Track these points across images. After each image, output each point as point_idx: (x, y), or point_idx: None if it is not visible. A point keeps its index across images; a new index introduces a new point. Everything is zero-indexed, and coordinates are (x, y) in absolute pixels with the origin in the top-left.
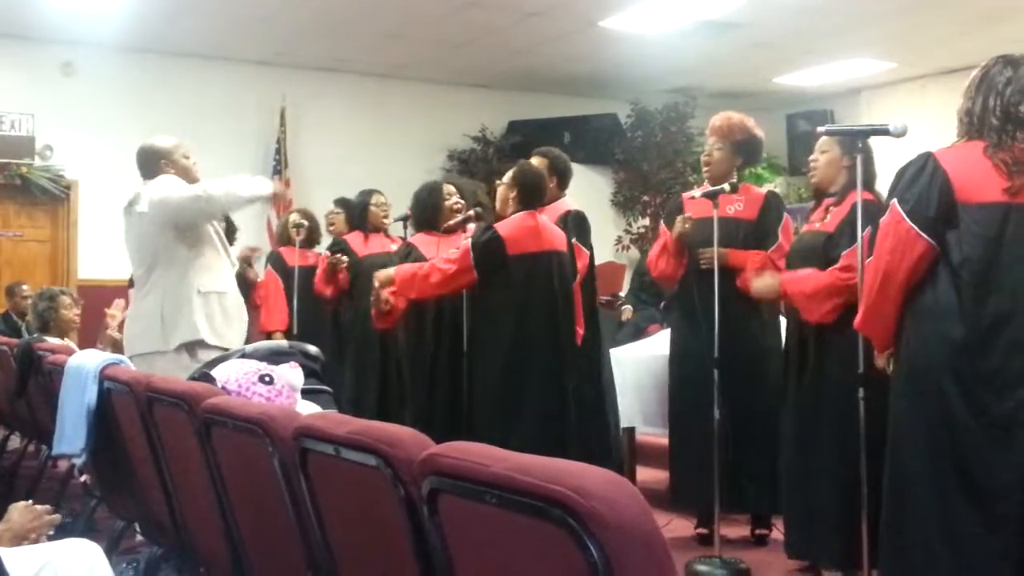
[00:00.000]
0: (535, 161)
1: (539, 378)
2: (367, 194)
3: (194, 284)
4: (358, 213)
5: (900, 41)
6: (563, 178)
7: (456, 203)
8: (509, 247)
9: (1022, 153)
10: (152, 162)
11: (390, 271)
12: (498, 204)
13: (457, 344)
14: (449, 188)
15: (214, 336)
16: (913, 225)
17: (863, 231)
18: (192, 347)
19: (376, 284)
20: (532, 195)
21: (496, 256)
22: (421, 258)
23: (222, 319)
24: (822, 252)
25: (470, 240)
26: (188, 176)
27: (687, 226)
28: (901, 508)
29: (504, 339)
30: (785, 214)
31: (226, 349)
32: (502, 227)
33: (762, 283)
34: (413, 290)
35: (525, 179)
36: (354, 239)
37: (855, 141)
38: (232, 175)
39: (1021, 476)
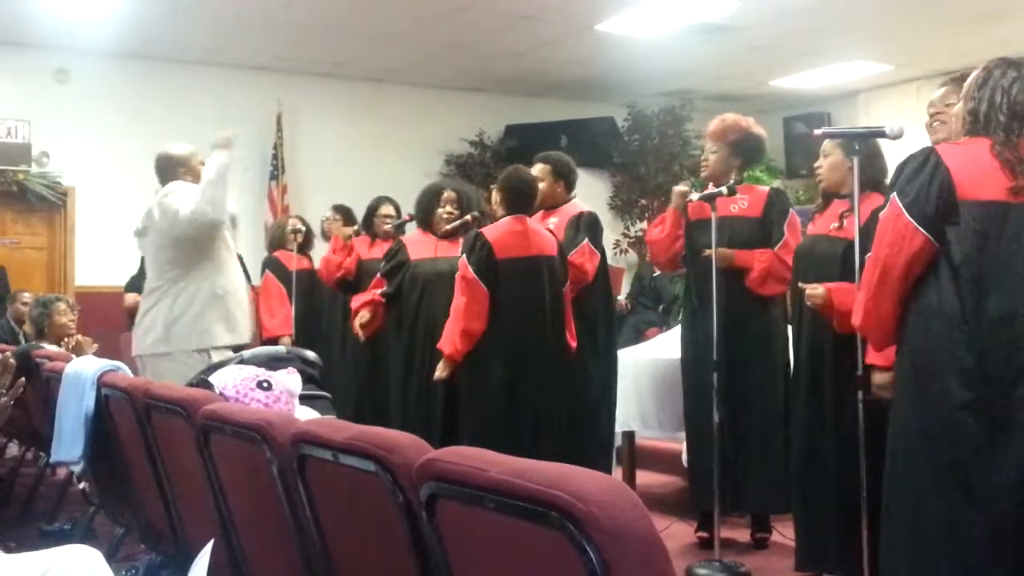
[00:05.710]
0: (537, 168)
1: (524, 383)
2: (376, 201)
3: (213, 287)
4: (364, 219)
5: (896, 43)
6: (568, 181)
7: (447, 212)
8: (497, 251)
9: None
10: (170, 169)
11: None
12: (495, 208)
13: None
14: (449, 195)
15: (231, 336)
16: (912, 219)
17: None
18: (206, 352)
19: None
20: (518, 200)
21: (487, 260)
22: (406, 257)
23: (240, 315)
24: (842, 261)
25: (463, 256)
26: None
27: (685, 199)
28: (901, 506)
29: (491, 343)
30: (791, 210)
31: (241, 345)
32: (489, 232)
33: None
34: (455, 341)
35: (510, 184)
36: (359, 243)
37: (853, 143)
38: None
39: (1019, 476)
